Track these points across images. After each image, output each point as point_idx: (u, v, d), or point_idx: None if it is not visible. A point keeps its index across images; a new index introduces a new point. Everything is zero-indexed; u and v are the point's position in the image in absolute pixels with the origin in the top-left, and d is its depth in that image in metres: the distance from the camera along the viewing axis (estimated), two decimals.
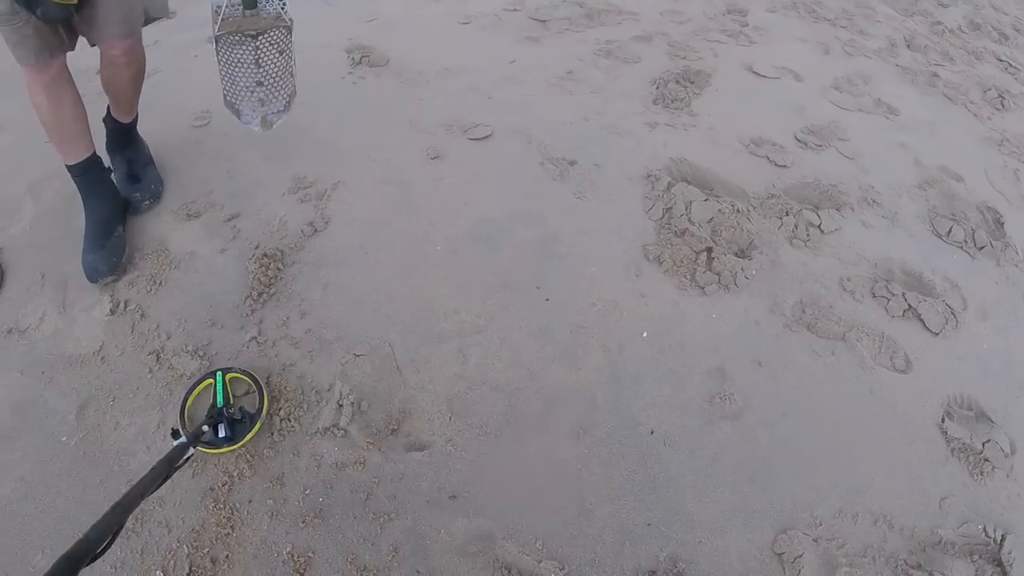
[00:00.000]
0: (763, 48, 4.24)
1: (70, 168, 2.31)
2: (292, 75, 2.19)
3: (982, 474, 2.11)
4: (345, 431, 1.94)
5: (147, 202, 2.53)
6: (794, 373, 2.24)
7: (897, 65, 4.37)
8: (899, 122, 3.71)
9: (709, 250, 2.54)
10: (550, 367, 2.15)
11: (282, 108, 2.25)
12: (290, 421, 1.96)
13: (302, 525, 1.77)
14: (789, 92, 3.79)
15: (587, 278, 2.42)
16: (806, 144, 3.31)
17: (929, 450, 2.15)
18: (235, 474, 1.84)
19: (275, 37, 2.06)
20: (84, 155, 2.30)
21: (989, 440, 2.18)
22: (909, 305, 2.52)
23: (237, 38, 2.02)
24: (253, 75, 2.13)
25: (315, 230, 2.51)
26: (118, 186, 2.51)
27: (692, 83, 3.63)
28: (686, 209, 2.69)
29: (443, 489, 1.86)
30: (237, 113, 2.20)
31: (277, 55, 2.11)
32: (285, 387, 2.03)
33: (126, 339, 2.14)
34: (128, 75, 2.29)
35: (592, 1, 4.48)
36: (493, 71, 3.57)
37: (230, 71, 2.10)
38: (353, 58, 3.55)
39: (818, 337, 2.36)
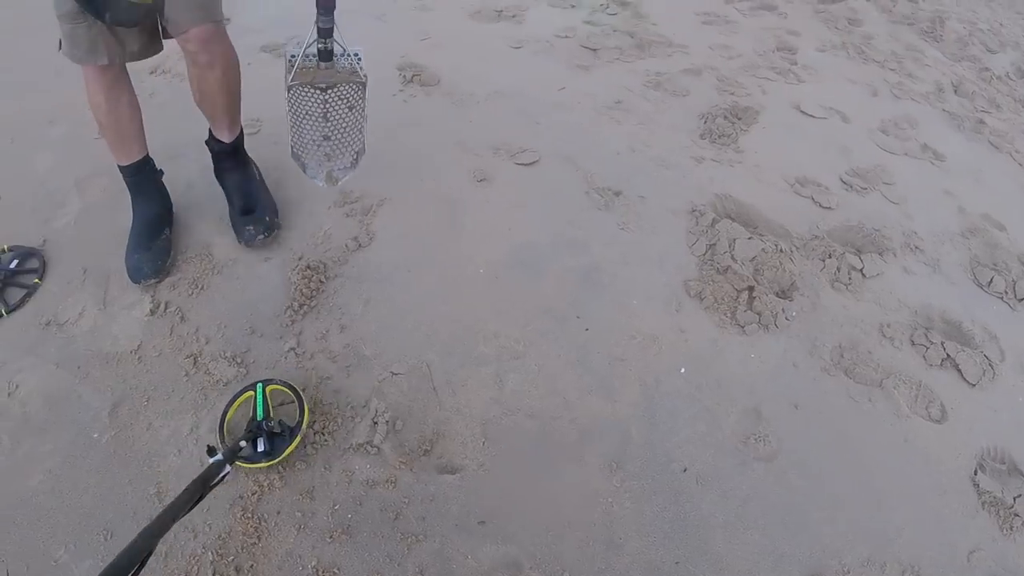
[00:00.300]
0: (811, 87, 4.23)
1: (122, 169, 2.33)
2: (362, 131, 2.19)
3: (1011, 529, 2.08)
4: (378, 449, 1.95)
5: (261, 237, 2.43)
6: (830, 418, 2.23)
7: (944, 110, 4.34)
8: (944, 168, 3.68)
9: (751, 289, 2.54)
10: (586, 398, 2.15)
11: (349, 165, 2.27)
12: (324, 435, 1.97)
13: (329, 540, 1.77)
14: (836, 133, 3.78)
15: (627, 310, 2.43)
16: (851, 186, 3.30)
17: (960, 502, 2.12)
18: (265, 485, 1.85)
19: (345, 92, 2.07)
20: (137, 157, 2.32)
21: (1020, 495, 2.14)
22: (947, 354, 2.49)
23: (307, 90, 2.03)
24: (320, 128, 2.14)
25: (359, 245, 2.54)
26: (230, 215, 2.50)
27: (740, 119, 3.63)
28: (730, 246, 2.69)
29: (473, 514, 1.86)
30: (303, 166, 2.22)
31: (347, 110, 2.11)
32: (321, 401, 2.05)
33: (164, 340, 2.17)
34: (213, 77, 2.18)
35: (643, 32, 4.51)
36: (543, 97, 3.60)
37: (298, 122, 2.11)
38: (404, 76, 3.60)
39: (855, 382, 2.35)
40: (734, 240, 2.71)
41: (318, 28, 1.93)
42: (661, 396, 2.19)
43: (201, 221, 2.57)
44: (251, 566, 1.72)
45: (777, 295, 2.57)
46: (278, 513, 1.81)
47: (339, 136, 2.18)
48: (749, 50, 4.59)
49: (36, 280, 2.29)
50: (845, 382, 2.35)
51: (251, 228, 2.42)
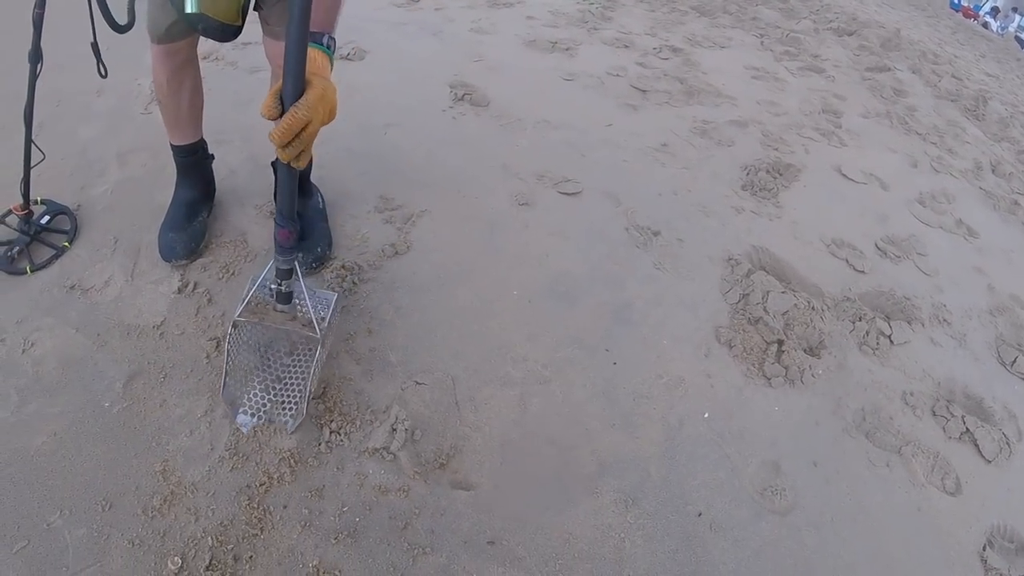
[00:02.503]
0: (853, 152, 4.28)
1: (175, 148, 2.33)
2: (306, 397, 1.95)
3: None
4: (394, 456, 1.95)
5: (308, 266, 2.39)
6: (847, 479, 2.22)
7: (981, 188, 4.39)
8: (977, 245, 3.72)
9: (780, 343, 2.55)
10: (608, 431, 2.16)
11: (287, 419, 1.99)
12: (340, 435, 1.96)
13: (333, 541, 1.75)
14: (874, 199, 3.81)
15: (657, 349, 2.44)
16: (885, 253, 3.32)
17: None
18: (275, 476, 1.84)
19: (300, 358, 1.98)
20: (192, 139, 2.34)
21: None
22: (967, 428, 2.49)
23: (253, 345, 1.96)
24: (259, 372, 2.01)
25: (396, 252, 2.56)
26: None
27: (781, 175, 3.67)
28: (763, 298, 2.70)
29: (483, 533, 1.85)
30: (234, 410, 1.99)
31: (298, 375, 2.00)
32: (340, 400, 2.04)
33: (189, 320, 2.17)
34: None
35: (693, 79, 4.57)
36: (590, 131, 3.65)
37: (235, 360, 1.97)
38: (455, 94, 3.66)
39: (875, 447, 2.34)
40: (767, 292, 2.73)
41: (276, 268, 1.81)
42: (683, 438, 2.19)
43: (240, 208, 2.60)
44: (250, 557, 1.69)
45: (805, 351, 2.57)
46: (284, 507, 1.79)
47: (282, 396, 1.99)
48: (795, 109, 4.65)
49: (65, 244, 2.30)
50: (865, 445, 2.34)
51: (300, 255, 2.34)
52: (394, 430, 2.00)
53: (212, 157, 2.49)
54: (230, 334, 1.92)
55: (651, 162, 3.52)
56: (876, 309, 2.93)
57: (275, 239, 1.74)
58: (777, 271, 2.94)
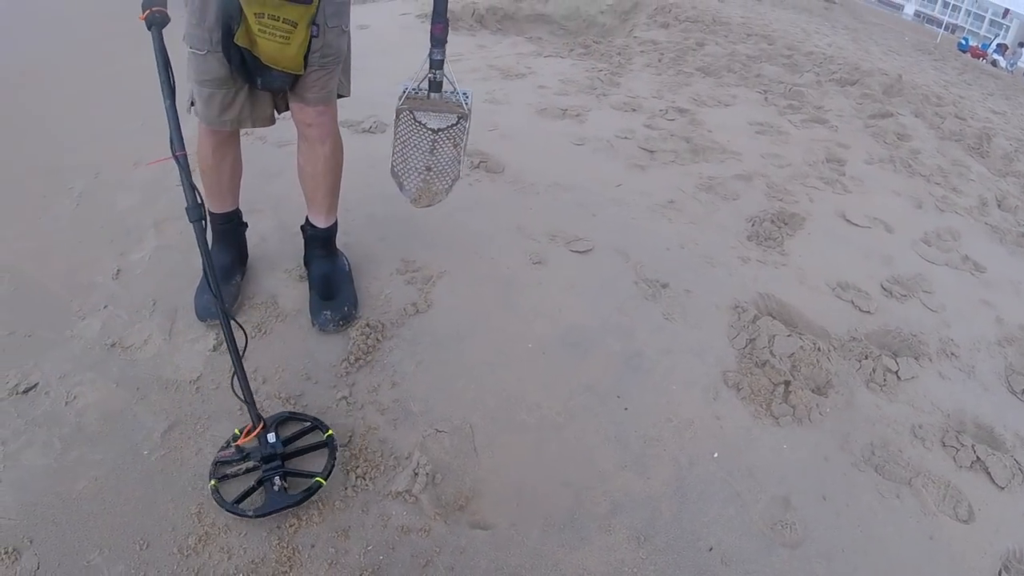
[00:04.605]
0: (858, 197, 4.40)
1: (212, 215, 2.51)
2: (459, 163, 2.36)
3: None
4: (416, 498, 2.04)
5: (335, 324, 2.51)
6: (857, 511, 2.29)
7: (987, 224, 4.48)
8: (984, 279, 3.80)
9: (787, 383, 2.65)
10: (621, 472, 2.25)
11: (442, 191, 2.43)
12: (365, 480, 2.07)
13: None
14: (879, 241, 3.92)
15: (667, 394, 2.55)
16: (891, 293, 3.42)
17: None
18: (304, 518, 1.94)
19: (453, 132, 2.25)
20: (229, 208, 2.54)
21: None
22: (977, 457, 2.54)
23: (418, 125, 2.22)
24: (425, 160, 2.32)
25: (417, 311, 2.71)
26: (309, 298, 2.59)
27: (786, 224, 3.80)
28: (769, 342, 2.81)
29: (501, 570, 1.93)
30: (400, 185, 2.38)
31: (451, 147, 2.29)
32: (365, 447, 2.17)
33: (223, 375, 2.31)
34: (323, 152, 2.39)
35: (699, 138, 4.75)
36: (600, 191, 3.83)
37: (404, 149, 2.29)
38: (472, 161, 3.86)
39: (885, 479, 2.41)
40: (773, 336, 2.84)
41: (430, 59, 2.12)
42: (693, 477, 2.28)
43: (271, 272, 2.78)
44: None
45: (812, 391, 2.66)
46: (312, 546, 1.88)
47: (440, 167, 2.35)
48: (799, 160, 4.80)
49: (318, 479, 2.00)
50: (874, 478, 2.41)
51: (328, 313, 2.51)
52: (416, 474, 2.10)
53: (246, 225, 2.67)
54: (395, 121, 2.20)
55: (659, 218, 3.67)
56: (883, 347, 3.01)
57: (432, 34, 2.08)
58: (783, 316, 3.05)
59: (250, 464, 2.01)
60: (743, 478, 2.31)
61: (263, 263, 2.83)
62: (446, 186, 2.43)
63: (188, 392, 2.26)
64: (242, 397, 2.00)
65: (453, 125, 2.26)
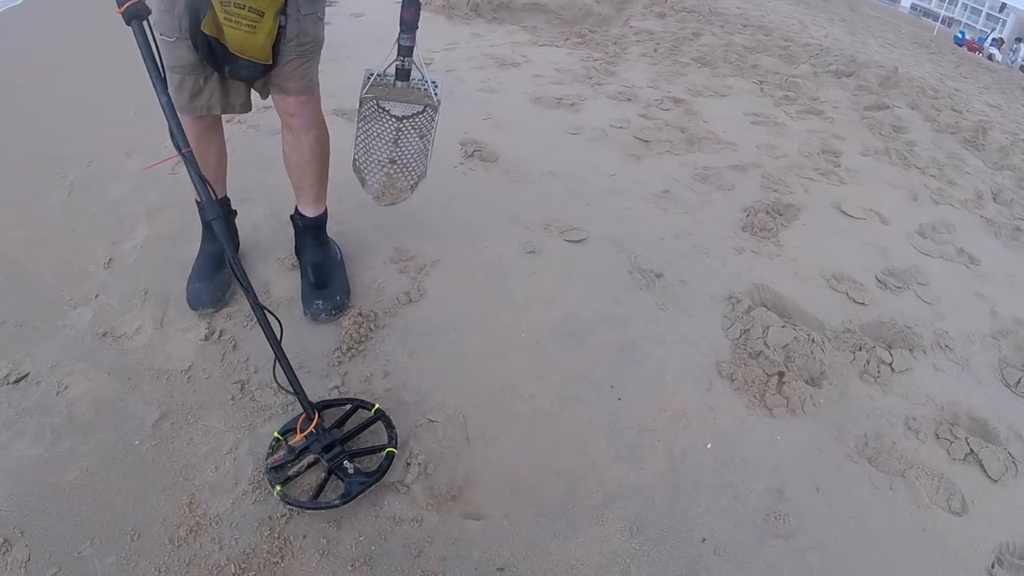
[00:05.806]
0: (853, 189, 4.39)
1: (201, 204, 2.48)
2: (427, 157, 2.30)
3: None
4: (408, 488, 2.04)
5: (327, 313, 2.51)
6: (850, 502, 2.29)
7: (982, 216, 4.48)
8: (979, 272, 3.80)
9: (781, 374, 2.64)
10: (614, 463, 2.25)
11: (407, 187, 2.37)
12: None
13: (350, 568, 1.83)
14: (874, 233, 3.92)
15: (660, 384, 2.54)
16: (886, 285, 3.42)
17: None
18: (295, 509, 1.93)
19: (419, 121, 2.18)
20: (218, 196, 2.46)
21: None
22: (971, 449, 2.55)
23: (382, 113, 2.14)
24: (388, 152, 2.25)
25: (410, 300, 2.70)
26: (301, 287, 2.58)
27: (781, 215, 3.80)
28: (763, 333, 2.81)
29: (493, 560, 1.92)
30: (362, 181, 2.35)
31: (417, 138, 2.23)
32: (358, 438, 2.15)
33: (215, 365, 2.31)
34: (307, 142, 2.36)
35: (694, 128, 4.74)
36: (595, 181, 3.82)
37: (367, 140, 2.23)
38: (466, 150, 3.86)
39: (878, 471, 2.41)
40: (768, 327, 2.84)
41: (399, 46, 2.06)
42: (686, 468, 2.27)
43: (263, 261, 2.78)
44: None
45: (806, 382, 2.66)
46: (304, 536, 1.87)
47: (404, 161, 2.29)
48: (795, 151, 4.79)
49: (390, 450, 2.06)
50: (868, 469, 2.41)
51: (320, 303, 2.51)
52: (408, 464, 2.10)
53: (235, 213, 2.65)
54: (358, 111, 2.13)
55: (653, 208, 3.66)
56: (877, 339, 3.01)
57: (402, 18, 2.00)
58: (777, 307, 3.05)
59: (311, 459, 2.00)
60: (736, 469, 2.31)
61: (256, 251, 2.82)
62: (411, 183, 2.37)
63: (180, 382, 2.25)
64: (290, 389, 1.99)
65: (419, 113, 2.20)
